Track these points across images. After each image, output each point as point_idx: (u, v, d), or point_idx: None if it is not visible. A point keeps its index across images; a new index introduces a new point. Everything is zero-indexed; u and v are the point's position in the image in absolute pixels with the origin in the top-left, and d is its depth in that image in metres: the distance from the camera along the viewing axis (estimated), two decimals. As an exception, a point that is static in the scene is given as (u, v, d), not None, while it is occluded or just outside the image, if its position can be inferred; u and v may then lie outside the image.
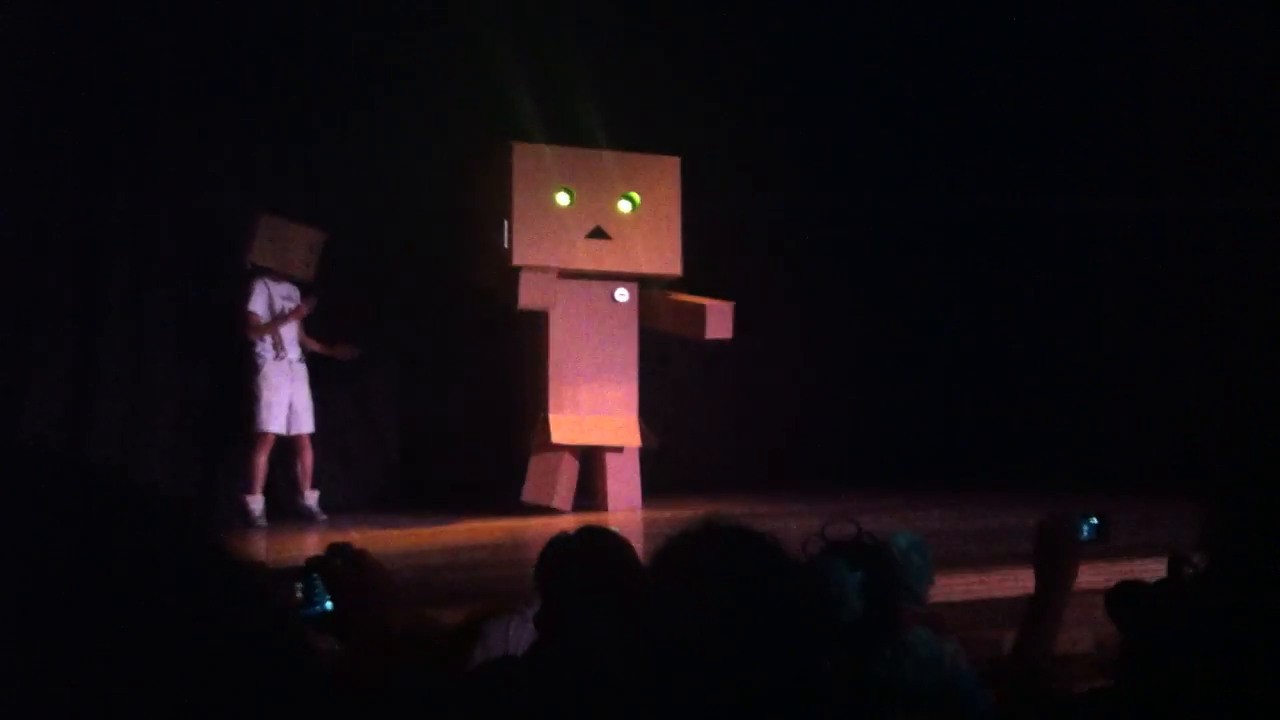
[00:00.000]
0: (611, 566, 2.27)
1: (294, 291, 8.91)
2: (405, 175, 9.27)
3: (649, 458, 8.98)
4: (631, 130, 9.21)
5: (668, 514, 8.21)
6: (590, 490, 8.86)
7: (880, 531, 2.93)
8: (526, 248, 8.72)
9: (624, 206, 8.89)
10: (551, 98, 9.41)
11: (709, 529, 1.99)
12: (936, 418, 10.75)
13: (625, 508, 8.68)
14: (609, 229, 8.87)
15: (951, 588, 3.98)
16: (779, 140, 10.70)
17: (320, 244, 8.88)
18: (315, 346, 8.89)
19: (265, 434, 8.71)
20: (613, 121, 9.29)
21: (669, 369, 9.71)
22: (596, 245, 8.85)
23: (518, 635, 2.86)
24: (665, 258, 8.99)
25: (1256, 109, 8.99)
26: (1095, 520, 2.80)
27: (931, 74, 10.77)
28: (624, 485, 8.83)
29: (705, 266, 9.54)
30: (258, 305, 8.81)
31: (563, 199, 8.77)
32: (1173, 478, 8.30)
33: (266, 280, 8.82)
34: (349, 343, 9.01)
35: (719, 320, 8.77)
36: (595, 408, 8.85)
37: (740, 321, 9.38)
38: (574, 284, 8.88)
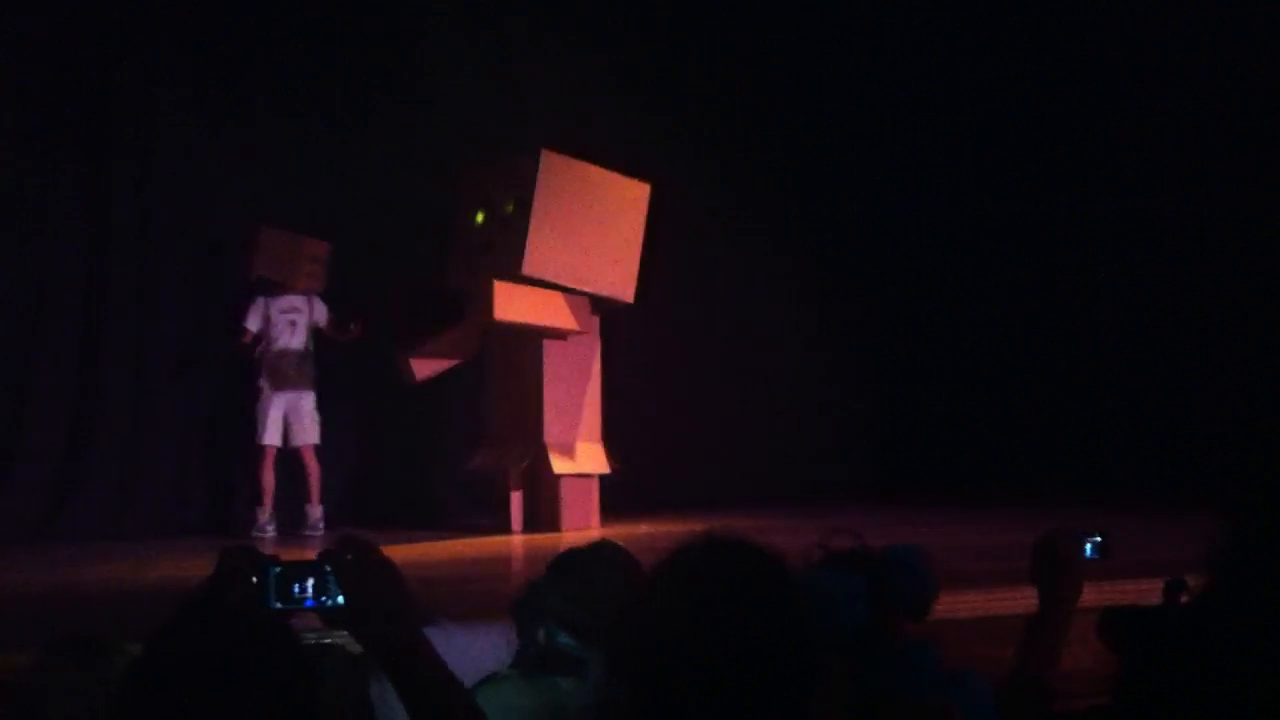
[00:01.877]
0: (627, 580, 2.29)
1: (301, 302, 9.04)
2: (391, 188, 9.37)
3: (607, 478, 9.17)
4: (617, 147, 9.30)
5: (632, 530, 8.58)
6: (536, 511, 9.09)
7: (881, 544, 2.94)
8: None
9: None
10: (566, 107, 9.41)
11: (711, 543, 2.02)
12: (928, 431, 10.78)
13: (582, 527, 8.89)
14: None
15: (955, 605, 4.00)
16: (760, 144, 10.65)
17: (324, 253, 9.06)
18: (332, 333, 9.17)
19: (263, 447, 8.80)
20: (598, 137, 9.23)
21: (618, 386, 9.62)
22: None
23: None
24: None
25: (1258, 109, 9.01)
26: (1097, 538, 2.81)
27: (928, 79, 10.80)
28: (582, 507, 9.06)
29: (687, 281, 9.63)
30: (251, 321, 8.91)
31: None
32: (1174, 492, 8.33)
33: (265, 295, 8.88)
34: (352, 321, 9.18)
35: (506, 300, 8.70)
36: (583, 435, 9.10)
37: (710, 333, 9.44)
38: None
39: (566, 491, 8.93)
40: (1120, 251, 10.02)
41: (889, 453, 10.92)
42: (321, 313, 8.97)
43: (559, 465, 8.84)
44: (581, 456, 8.95)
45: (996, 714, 2.59)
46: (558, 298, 8.82)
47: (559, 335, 8.90)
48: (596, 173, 9.00)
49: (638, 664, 1.80)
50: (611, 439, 9.28)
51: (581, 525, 8.84)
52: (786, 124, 10.83)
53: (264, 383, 8.92)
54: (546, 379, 8.95)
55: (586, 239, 8.83)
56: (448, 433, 9.98)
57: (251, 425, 8.90)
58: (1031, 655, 2.72)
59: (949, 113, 10.81)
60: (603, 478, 9.10)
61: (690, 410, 10.62)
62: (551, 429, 8.90)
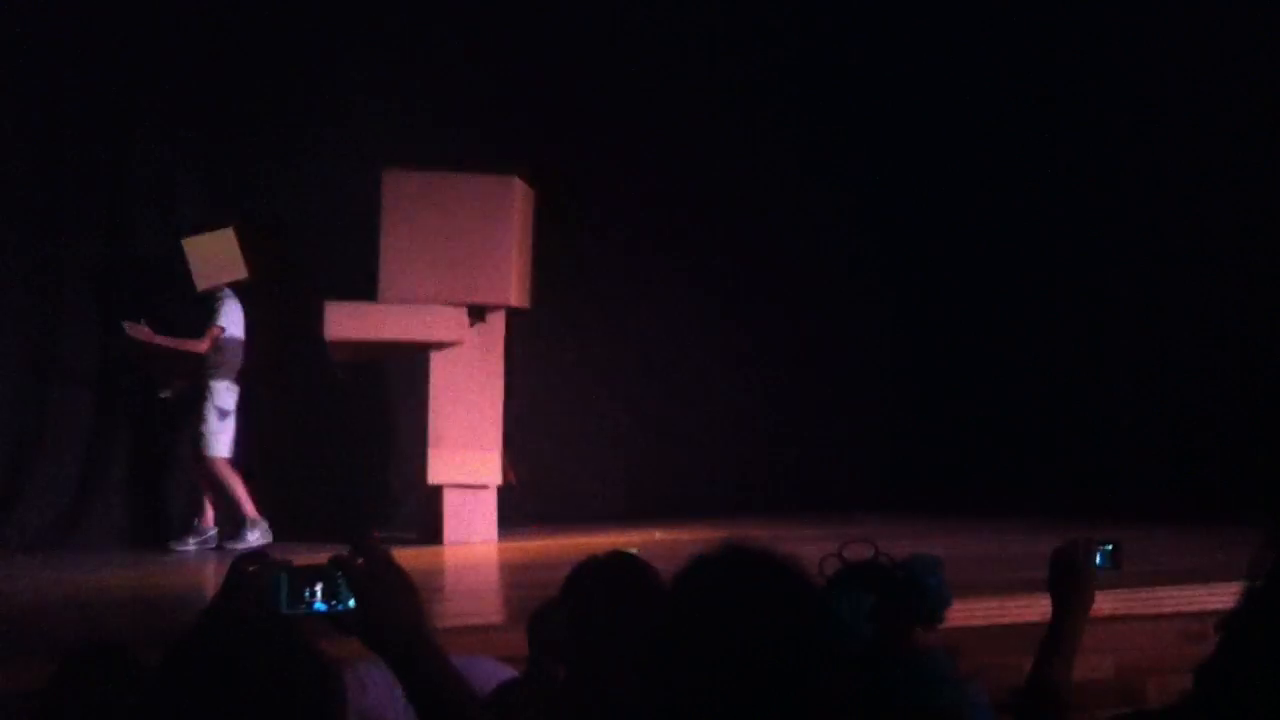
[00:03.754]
0: (644, 590, 2.32)
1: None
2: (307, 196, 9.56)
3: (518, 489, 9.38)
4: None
5: (524, 545, 8.77)
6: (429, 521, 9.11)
7: (896, 553, 2.98)
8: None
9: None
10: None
11: (732, 551, 2.05)
12: (920, 439, 10.78)
13: (471, 540, 8.91)
14: None
15: (969, 614, 4.04)
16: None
17: (234, 237, 9.13)
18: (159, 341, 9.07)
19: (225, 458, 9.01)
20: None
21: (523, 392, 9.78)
22: None
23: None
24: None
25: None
26: (1109, 548, 2.86)
27: (926, 79, 10.82)
28: (468, 518, 9.00)
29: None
30: (226, 322, 9.14)
31: None
32: (1183, 502, 8.33)
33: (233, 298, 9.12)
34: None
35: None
36: (473, 444, 9.03)
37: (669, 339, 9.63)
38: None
39: (450, 502, 8.91)
40: (1135, 255, 10.00)
41: (876, 462, 10.90)
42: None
43: (437, 475, 8.90)
44: (469, 466, 8.91)
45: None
46: (412, 309, 8.87)
47: (437, 346, 8.96)
48: (451, 179, 9.02)
49: (656, 671, 1.83)
50: (570, 449, 9.72)
51: (466, 538, 8.87)
52: (777, 110, 10.81)
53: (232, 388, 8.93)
54: (431, 388, 8.99)
55: (448, 251, 8.85)
56: (388, 440, 10.05)
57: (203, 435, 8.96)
58: (1046, 664, 2.76)
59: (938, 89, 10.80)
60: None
61: (652, 419, 10.68)
62: (436, 438, 8.92)
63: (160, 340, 9.03)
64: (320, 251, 9.81)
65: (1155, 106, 9.86)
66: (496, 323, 9.11)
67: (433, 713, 1.94)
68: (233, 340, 9.12)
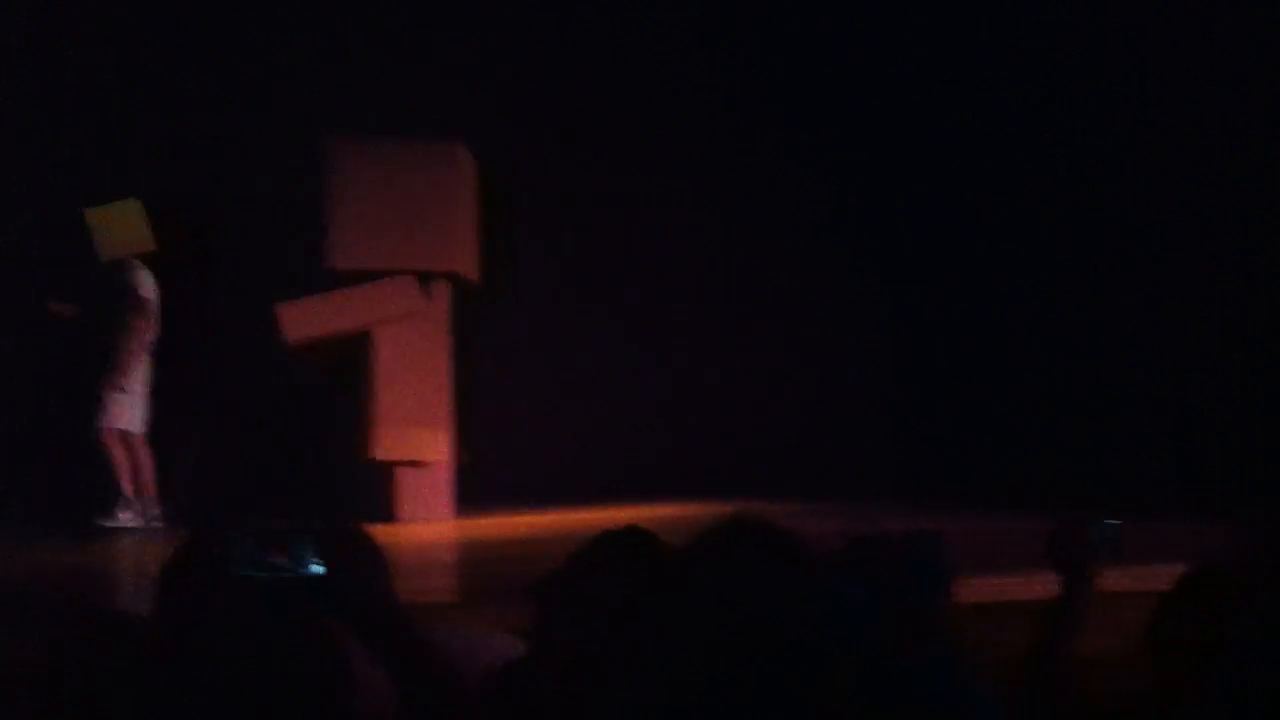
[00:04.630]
0: (657, 565, 2.33)
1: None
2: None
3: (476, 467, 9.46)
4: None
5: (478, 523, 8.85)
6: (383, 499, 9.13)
7: (899, 532, 2.99)
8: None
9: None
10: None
11: (738, 526, 2.06)
12: (918, 422, 10.76)
13: (425, 519, 8.93)
14: None
15: (971, 590, 4.05)
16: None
17: (140, 208, 9.05)
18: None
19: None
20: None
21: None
22: None
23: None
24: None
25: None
26: (1108, 529, 2.88)
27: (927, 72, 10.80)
28: (420, 496, 9.03)
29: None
30: (148, 291, 9.04)
31: None
32: (1191, 493, 8.36)
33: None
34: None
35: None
36: (422, 421, 9.02)
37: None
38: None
39: (403, 480, 8.94)
40: (1153, 236, 9.98)
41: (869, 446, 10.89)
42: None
43: (384, 451, 8.89)
44: (417, 442, 8.88)
45: (1013, 699, 2.64)
46: (364, 289, 8.87)
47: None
48: (394, 146, 9.06)
49: (663, 645, 1.84)
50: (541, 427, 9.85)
51: (420, 516, 8.87)
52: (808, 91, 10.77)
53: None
54: (378, 362, 8.97)
55: (394, 217, 8.83)
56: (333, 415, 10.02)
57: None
58: (1050, 640, 2.78)
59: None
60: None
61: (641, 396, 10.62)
62: (383, 413, 8.91)
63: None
64: (252, 225, 9.76)
65: (1162, 98, 9.85)
66: (443, 293, 9.09)
67: (409, 684, 1.94)
68: (152, 312, 9.07)
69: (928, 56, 10.88)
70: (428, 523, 8.78)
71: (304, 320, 8.72)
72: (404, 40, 10.06)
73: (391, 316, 8.85)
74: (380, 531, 8.11)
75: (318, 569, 1.92)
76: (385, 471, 8.99)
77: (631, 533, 2.64)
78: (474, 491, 9.35)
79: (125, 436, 8.90)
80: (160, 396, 9.18)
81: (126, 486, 8.88)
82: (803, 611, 1.90)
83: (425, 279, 8.97)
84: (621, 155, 10.64)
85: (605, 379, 10.72)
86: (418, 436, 8.92)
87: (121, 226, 8.94)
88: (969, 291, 10.91)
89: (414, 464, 8.97)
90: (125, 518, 8.83)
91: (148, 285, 8.97)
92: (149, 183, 9.42)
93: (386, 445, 8.88)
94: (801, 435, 10.92)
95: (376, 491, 9.10)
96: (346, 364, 9.31)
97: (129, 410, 8.89)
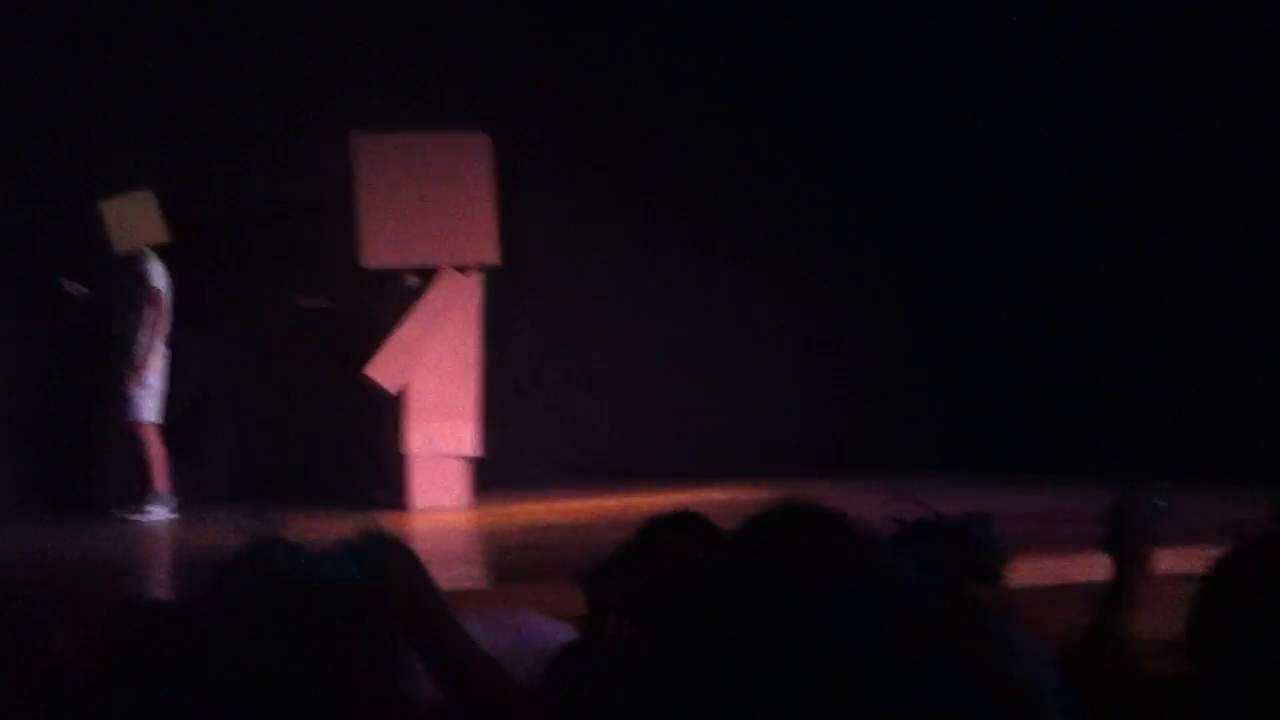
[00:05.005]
0: (712, 547, 2.33)
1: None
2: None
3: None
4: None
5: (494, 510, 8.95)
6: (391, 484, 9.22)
7: (951, 512, 2.97)
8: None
9: None
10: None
11: (790, 510, 2.06)
12: (962, 397, 10.70)
13: (443, 506, 8.97)
14: None
15: (1026, 572, 4.04)
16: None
17: (153, 200, 9.09)
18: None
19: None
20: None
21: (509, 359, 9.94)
22: None
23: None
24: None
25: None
26: (1162, 502, 2.85)
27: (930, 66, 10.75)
28: (442, 485, 9.05)
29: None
30: (160, 283, 9.10)
31: None
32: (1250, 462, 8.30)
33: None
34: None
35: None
36: (448, 414, 9.06)
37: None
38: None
39: (418, 468, 8.97)
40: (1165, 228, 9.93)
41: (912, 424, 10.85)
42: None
43: (415, 445, 8.96)
44: (447, 436, 8.98)
45: (1070, 680, 2.61)
46: (427, 309, 8.93)
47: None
48: (422, 139, 9.03)
49: (722, 630, 1.83)
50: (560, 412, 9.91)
51: (438, 504, 8.90)
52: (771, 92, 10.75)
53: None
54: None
55: (428, 212, 8.85)
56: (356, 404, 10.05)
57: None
58: (1106, 621, 2.76)
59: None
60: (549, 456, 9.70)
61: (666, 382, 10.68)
62: (414, 407, 8.95)
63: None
64: (275, 217, 9.81)
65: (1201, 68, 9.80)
66: (474, 286, 9.12)
67: (458, 687, 1.94)
68: (165, 303, 9.12)
69: (972, 41, 10.83)
70: (445, 511, 8.83)
71: (397, 368, 8.77)
72: (414, 29, 10.04)
73: (442, 319, 8.93)
74: (399, 519, 8.21)
75: (359, 575, 1.96)
76: (402, 459, 9.02)
77: (684, 517, 2.64)
78: (488, 478, 9.35)
79: (156, 429, 9.02)
80: (181, 387, 9.24)
81: (159, 481, 8.93)
82: (858, 595, 1.89)
83: (459, 271, 9.03)
84: (644, 136, 10.63)
85: (627, 363, 10.73)
86: (449, 430, 8.97)
87: (134, 218, 8.99)
88: (1009, 260, 10.87)
89: (438, 457, 9.00)
90: (156, 511, 8.87)
91: (160, 277, 9.02)
92: (167, 174, 9.48)
93: (419, 439, 8.95)
94: (833, 414, 10.91)
95: (394, 479, 9.11)
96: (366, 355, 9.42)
97: (149, 402, 8.96)
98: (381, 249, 8.80)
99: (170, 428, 9.17)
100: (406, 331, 8.89)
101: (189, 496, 9.13)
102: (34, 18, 9.37)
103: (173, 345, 9.12)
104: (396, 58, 9.88)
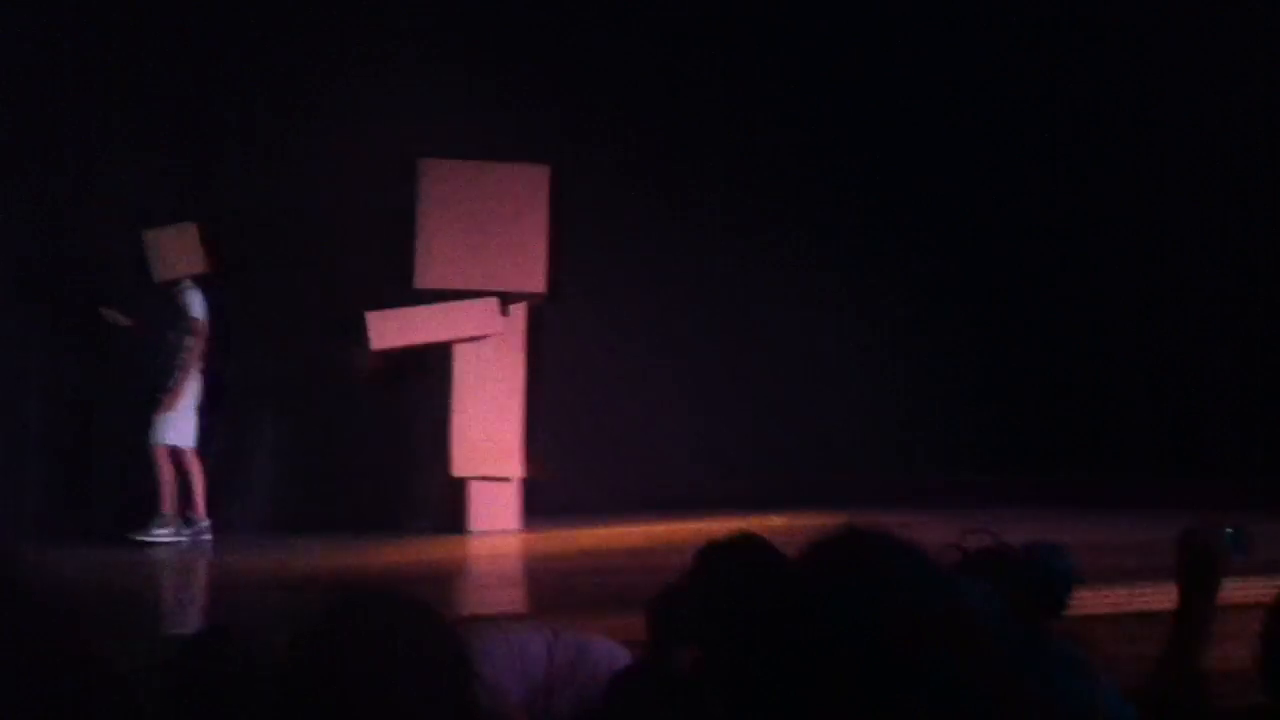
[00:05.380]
0: (775, 571, 2.31)
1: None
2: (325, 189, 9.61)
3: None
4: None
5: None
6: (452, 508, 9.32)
7: (1017, 541, 2.94)
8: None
9: None
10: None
11: (856, 536, 2.02)
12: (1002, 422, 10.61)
13: (495, 530, 9.11)
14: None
15: (1095, 602, 4.00)
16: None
17: (195, 231, 9.25)
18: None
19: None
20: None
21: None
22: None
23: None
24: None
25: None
26: (1237, 533, 2.79)
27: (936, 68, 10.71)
28: (495, 509, 9.22)
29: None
30: (198, 313, 9.24)
31: None
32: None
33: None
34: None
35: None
36: (496, 437, 9.26)
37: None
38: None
39: (476, 491, 9.17)
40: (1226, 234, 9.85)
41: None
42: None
43: (461, 468, 9.16)
44: (492, 459, 9.17)
45: (1143, 711, 2.58)
46: (449, 308, 9.11)
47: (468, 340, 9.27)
48: (485, 167, 9.29)
49: (788, 655, 1.81)
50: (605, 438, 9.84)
51: (490, 527, 9.06)
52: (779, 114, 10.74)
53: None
54: (455, 381, 9.23)
55: (483, 238, 9.12)
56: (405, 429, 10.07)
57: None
58: (1177, 652, 2.70)
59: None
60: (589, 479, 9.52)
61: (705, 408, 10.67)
62: (460, 431, 9.18)
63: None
64: (327, 243, 9.91)
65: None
66: (520, 313, 9.35)
67: None
68: (204, 331, 9.28)
69: (999, 43, 10.79)
70: (499, 534, 8.96)
71: (389, 330, 8.94)
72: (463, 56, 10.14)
73: (472, 335, 9.09)
74: (454, 543, 8.15)
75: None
76: (458, 484, 9.17)
77: (744, 540, 2.62)
78: (548, 503, 9.38)
79: (175, 453, 9.12)
80: (231, 409, 9.38)
81: (167, 504, 9.07)
82: (931, 622, 1.87)
83: (506, 299, 9.22)
84: (690, 166, 10.68)
85: (669, 392, 10.76)
86: (494, 454, 9.17)
87: (177, 248, 9.21)
88: (1062, 286, 10.82)
89: (491, 480, 9.16)
90: (162, 534, 9.00)
91: (199, 307, 9.19)
92: (227, 201, 9.56)
93: (463, 463, 9.14)
94: (896, 440, 10.85)
95: (448, 502, 9.23)
96: (419, 377, 9.47)
97: (178, 426, 9.11)
98: (433, 271, 9.06)
99: (211, 453, 9.26)
100: (423, 311, 9.07)
101: (225, 521, 9.21)
102: (88, 47, 9.60)
103: (211, 373, 9.24)
104: (448, 86, 10.02)
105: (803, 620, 1.91)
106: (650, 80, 10.63)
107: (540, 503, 9.52)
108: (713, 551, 2.59)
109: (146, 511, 9.04)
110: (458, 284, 9.10)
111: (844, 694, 1.88)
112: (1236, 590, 2.90)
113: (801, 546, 2.08)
